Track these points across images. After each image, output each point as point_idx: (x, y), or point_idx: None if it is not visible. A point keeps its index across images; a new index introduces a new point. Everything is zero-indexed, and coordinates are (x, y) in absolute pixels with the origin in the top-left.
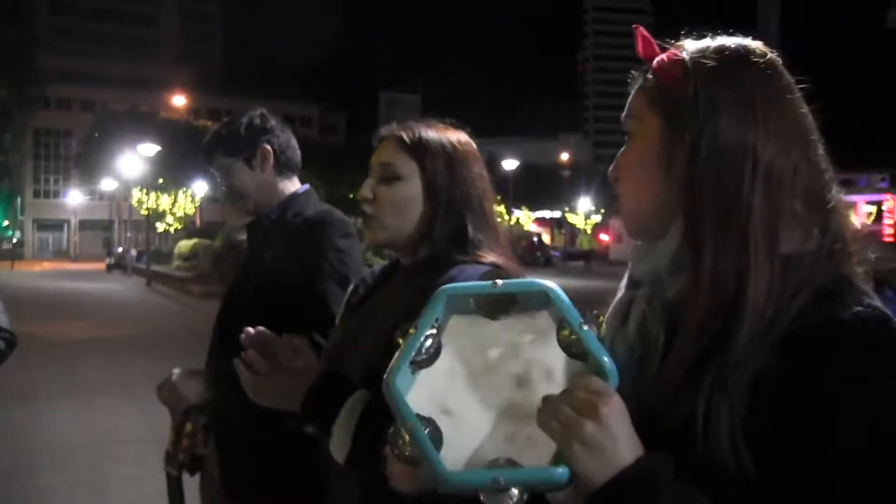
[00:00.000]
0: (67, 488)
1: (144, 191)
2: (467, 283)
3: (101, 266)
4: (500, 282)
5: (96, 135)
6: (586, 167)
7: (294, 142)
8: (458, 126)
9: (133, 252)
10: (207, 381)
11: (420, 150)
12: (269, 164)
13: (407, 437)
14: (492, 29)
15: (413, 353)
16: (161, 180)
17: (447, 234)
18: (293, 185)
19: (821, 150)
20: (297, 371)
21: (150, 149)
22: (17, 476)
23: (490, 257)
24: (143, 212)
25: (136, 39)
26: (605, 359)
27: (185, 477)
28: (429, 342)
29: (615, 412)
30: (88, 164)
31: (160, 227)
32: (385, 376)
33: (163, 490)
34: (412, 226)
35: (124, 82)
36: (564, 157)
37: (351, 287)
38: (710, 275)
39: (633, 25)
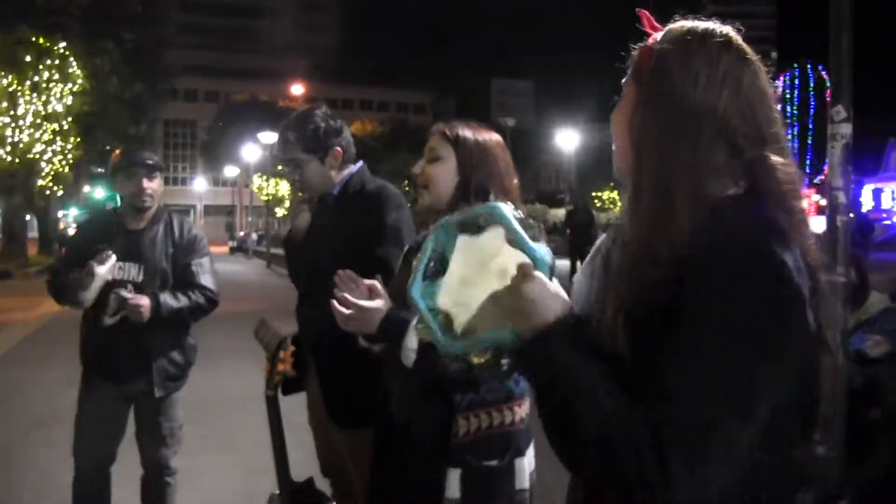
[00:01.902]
0: (201, 437)
1: (265, 177)
2: (448, 217)
3: (224, 249)
4: (466, 210)
5: (219, 124)
6: None
7: (350, 136)
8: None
9: (254, 236)
10: (298, 321)
11: (455, 141)
12: (338, 162)
13: (421, 326)
14: (605, 13)
15: (423, 269)
16: (280, 167)
17: (473, 201)
18: (349, 168)
19: (766, 114)
20: (373, 306)
21: (269, 137)
22: None
23: None
24: (263, 197)
25: (256, 32)
26: (534, 253)
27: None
28: (432, 263)
29: (537, 287)
30: (212, 152)
31: (279, 212)
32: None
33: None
34: (448, 195)
35: (245, 74)
36: None
37: (406, 248)
38: (648, 204)
39: (637, 10)
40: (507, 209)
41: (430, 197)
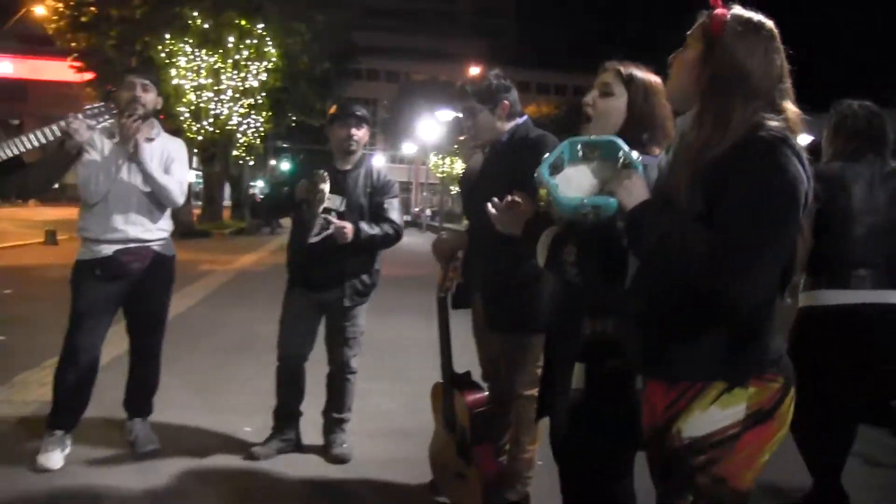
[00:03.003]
0: (375, 369)
1: (441, 155)
2: (577, 138)
3: None
4: (592, 137)
5: (399, 103)
6: None
7: (517, 95)
8: None
9: (428, 212)
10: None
11: (629, 80)
12: (506, 114)
13: (544, 193)
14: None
15: (550, 163)
16: (456, 146)
17: (636, 136)
18: (515, 120)
19: (783, 80)
20: (521, 211)
21: (446, 115)
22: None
23: (657, 151)
24: (439, 175)
25: (436, 13)
26: (634, 160)
27: None
28: (556, 160)
29: (636, 180)
30: (391, 129)
31: (454, 189)
32: (540, 166)
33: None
34: (615, 130)
35: (425, 54)
36: None
37: None
38: (709, 123)
39: None
40: (620, 141)
41: (593, 129)
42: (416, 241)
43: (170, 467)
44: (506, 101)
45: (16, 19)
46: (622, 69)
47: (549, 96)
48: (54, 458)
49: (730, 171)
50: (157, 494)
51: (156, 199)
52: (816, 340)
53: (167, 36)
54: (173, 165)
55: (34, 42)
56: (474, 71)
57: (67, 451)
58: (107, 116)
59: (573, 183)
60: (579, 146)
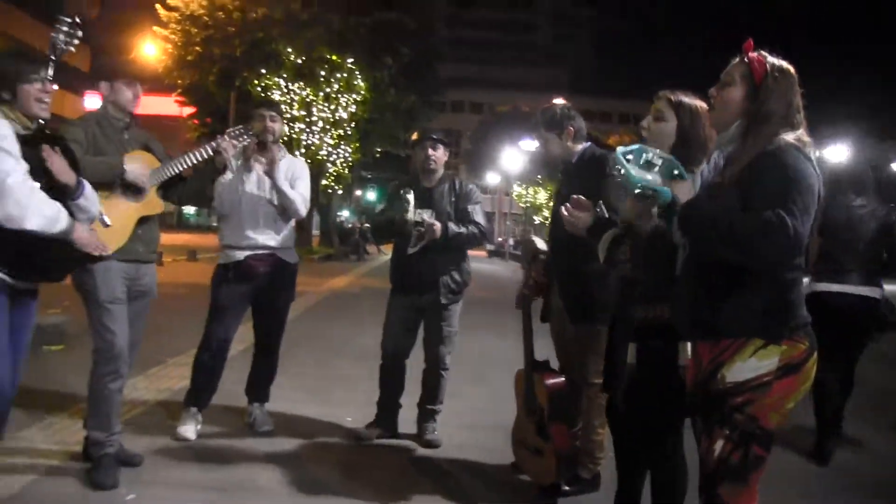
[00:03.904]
0: (462, 374)
1: (524, 185)
2: (649, 147)
3: (483, 253)
4: (660, 151)
5: (482, 133)
6: None
7: (582, 122)
8: None
9: (511, 241)
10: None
11: (678, 106)
12: (572, 138)
13: (620, 170)
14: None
15: (625, 151)
16: (539, 176)
17: (684, 154)
18: (583, 143)
19: (800, 111)
20: (585, 209)
21: (529, 145)
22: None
23: (696, 170)
24: (522, 204)
25: (517, 45)
26: (683, 172)
27: None
28: (628, 154)
29: (685, 185)
30: (475, 160)
31: (537, 219)
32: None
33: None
34: (666, 150)
35: (508, 85)
36: None
37: None
38: (751, 144)
39: (748, 40)
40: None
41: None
42: (499, 269)
43: (283, 444)
44: (570, 128)
45: (129, 59)
46: (672, 97)
47: (629, 126)
48: (190, 431)
49: (759, 170)
50: (275, 461)
51: (281, 211)
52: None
53: (263, 71)
54: (297, 182)
55: (140, 79)
56: (557, 101)
57: (199, 426)
58: (245, 138)
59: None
60: (650, 154)
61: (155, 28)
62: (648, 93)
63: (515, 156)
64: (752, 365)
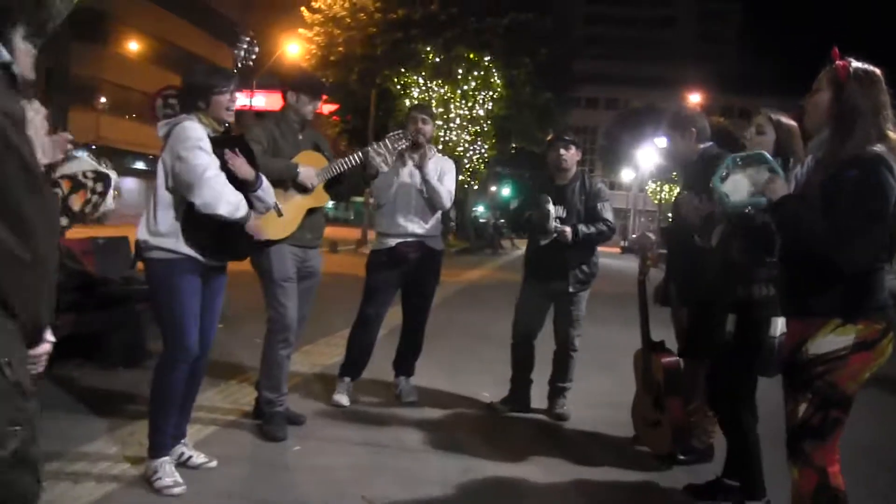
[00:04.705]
0: (589, 361)
1: (658, 182)
2: (736, 154)
3: (616, 249)
4: (747, 152)
5: (617, 130)
6: None
7: (706, 124)
8: None
9: (622, 242)
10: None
11: (777, 124)
12: (694, 139)
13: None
14: None
15: (720, 175)
16: (674, 174)
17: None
18: (705, 143)
19: (887, 108)
20: (699, 208)
21: (664, 142)
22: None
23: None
24: (655, 201)
25: (655, 41)
26: (777, 168)
27: None
28: (725, 172)
29: (779, 183)
30: (610, 156)
31: (671, 216)
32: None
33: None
34: None
35: (644, 81)
36: None
37: None
38: (838, 142)
39: (833, 48)
40: (766, 153)
41: None
42: (631, 266)
43: (426, 413)
44: (693, 129)
45: (273, 59)
46: (772, 116)
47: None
48: (343, 398)
49: (843, 179)
50: (419, 426)
51: (430, 203)
52: None
53: (402, 70)
54: (445, 177)
55: (281, 77)
56: (693, 98)
57: (351, 395)
58: (403, 142)
59: (737, 186)
60: (739, 159)
61: (300, 30)
62: (790, 88)
63: (650, 152)
64: (830, 340)
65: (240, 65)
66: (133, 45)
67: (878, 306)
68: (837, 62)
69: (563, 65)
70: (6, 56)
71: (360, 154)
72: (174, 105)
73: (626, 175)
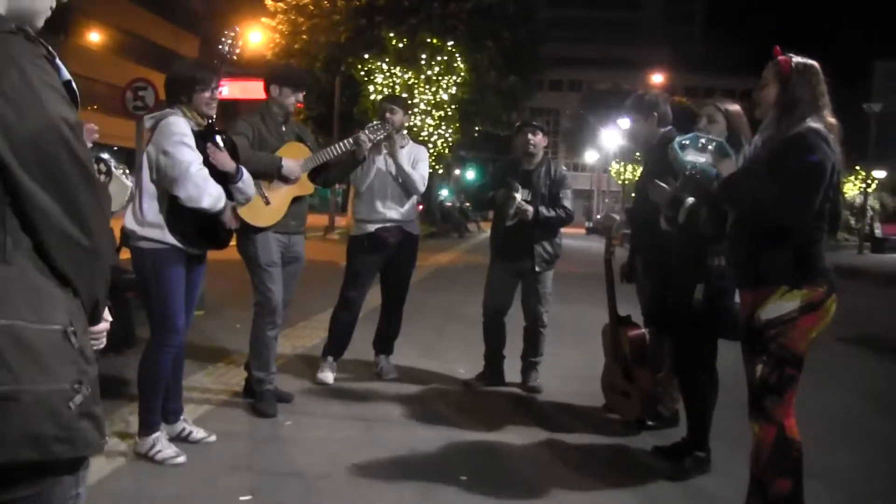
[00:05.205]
0: (556, 337)
1: (622, 163)
2: (702, 134)
3: (581, 231)
4: (712, 136)
5: (581, 112)
6: None
7: (667, 109)
8: None
9: (587, 223)
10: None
11: (725, 113)
12: (656, 122)
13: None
14: None
15: (681, 141)
16: (637, 154)
17: (732, 144)
18: (665, 128)
19: (825, 96)
20: (666, 188)
21: (627, 123)
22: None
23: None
24: (619, 182)
25: (620, 23)
26: (727, 149)
27: None
28: (686, 142)
29: (729, 162)
30: (574, 138)
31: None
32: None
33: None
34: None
35: (608, 64)
36: None
37: None
38: (783, 129)
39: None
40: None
41: None
42: (595, 246)
43: (407, 389)
44: (655, 113)
45: (236, 48)
46: (720, 105)
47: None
48: (328, 377)
49: (784, 153)
50: (401, 401)
51: (405, 190)
52: None
53: (366, 56)
54: (418, 164)
55: (242, 66)
56: (657, 79)
57: (335, 374)
58: (381, 132)
59: (691, 158)
60: (703, 140)
61: (263, 19)
62: (756, 68)
63: (614, 134)
64: (779, 306)
65: (223, 59)
66: (95, 37)
67: (820, 272)
68: (780, 58)
69: (529, 48)
70: (66, 75)
71: (349, 140)
72: (143, 97)
73: (590, 156)
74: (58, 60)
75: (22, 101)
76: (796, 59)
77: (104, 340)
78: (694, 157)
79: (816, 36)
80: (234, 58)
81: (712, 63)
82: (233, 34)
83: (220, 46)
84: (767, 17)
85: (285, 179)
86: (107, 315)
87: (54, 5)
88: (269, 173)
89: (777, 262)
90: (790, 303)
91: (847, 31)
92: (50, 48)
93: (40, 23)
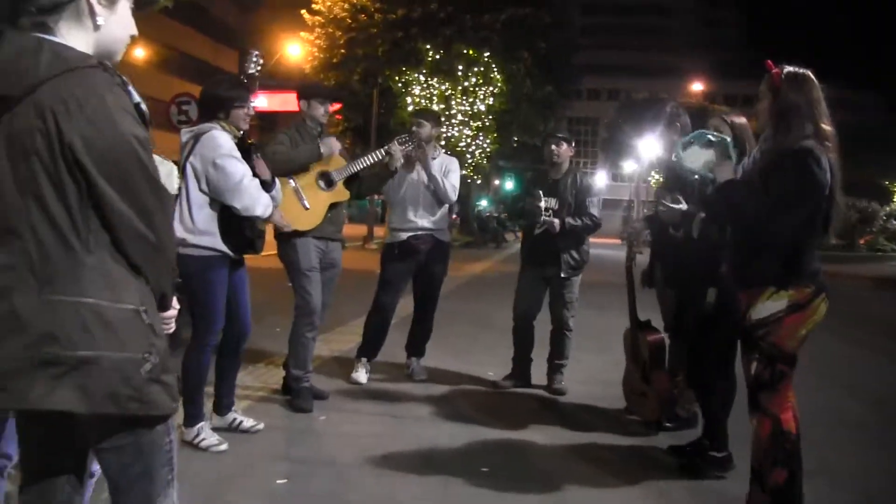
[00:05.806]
0: (587, 341)
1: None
2: (707, 132)
3: (617, 241)
4: (716, 133)
5: (618, 121)
6: None
7: (688, 120)
8: None
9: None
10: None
11: (731, 125)
12: (678, 132)
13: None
14: None
15: (685, 141)
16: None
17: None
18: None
19: (821, 102)
20: (676, 207)
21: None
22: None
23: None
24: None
25: (656, 30)
26: (730, 151)
27: None
28: (691, 140)
29: (728, 167)
30: (612, 148)
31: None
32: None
33: None
34: None
35: (646, 71)
36: None
37: None
38: (779, 137)
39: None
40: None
41: None
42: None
43: (437, 389)
44: (677, 124)
45: (273, 61)
46: (726, 118)
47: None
48: (362, 376)
49: (777, 168)
50: (431, 401)
51: (437, 199)
52: None
53: (403, 68)
54: (450, 175)
55: (280, 79)
56: (696, 87)
57: (368, 374)
58: (410, 144)
59: (695, 156)
60: (710, 136)
61: (301, 34)
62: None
63: (653, 143)
64: (767, 306)
65: (251, 74)
66: (139, 52)
67: (808, 274)
68: (773, 71)
69: (564, 57)
70: (137, 98)
71: (381, 151)
72: (187, 111)
73: (629, 166)
74: (130, 87)
75: (101, 123)
76: (788, 68)
77: (174, 325)
78: (696, 158)
79: (863, 41)
80: (256, 75)
81: (750, 69)
82: (257, 53)
83: (246, 65)
84: (806, 18)
85: (324, 183)
86: (175, 303)
87: (129, 41)
88: (313, 159)
89: (765, 266)
90: (777, 303)
91: None
92: (124, 78)
93: (118, 57)
